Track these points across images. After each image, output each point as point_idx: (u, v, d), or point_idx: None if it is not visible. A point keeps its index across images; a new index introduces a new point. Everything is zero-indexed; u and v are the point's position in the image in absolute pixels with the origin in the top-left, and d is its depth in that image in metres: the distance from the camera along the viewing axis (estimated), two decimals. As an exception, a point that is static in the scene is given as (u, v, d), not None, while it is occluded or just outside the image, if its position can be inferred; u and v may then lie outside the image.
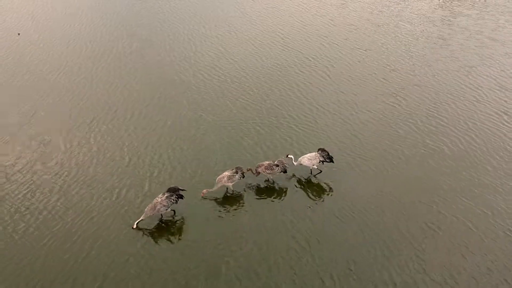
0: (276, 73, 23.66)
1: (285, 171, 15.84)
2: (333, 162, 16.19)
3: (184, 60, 24.85)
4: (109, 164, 16.73)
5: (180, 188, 14.48)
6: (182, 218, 14.47)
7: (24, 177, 16.08)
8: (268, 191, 15.71)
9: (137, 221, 13.80)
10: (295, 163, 16.12)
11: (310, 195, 15.54)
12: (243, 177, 15.31)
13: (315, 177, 16.24)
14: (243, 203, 15.10)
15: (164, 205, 13.87)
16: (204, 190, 15.00)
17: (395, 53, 25.85)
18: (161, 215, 14.25)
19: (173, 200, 14.07)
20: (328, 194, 15.56)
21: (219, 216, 14.57)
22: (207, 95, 21.49)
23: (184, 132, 18.69)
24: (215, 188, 15.01)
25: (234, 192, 15.43)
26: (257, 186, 15.85)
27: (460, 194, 15.51)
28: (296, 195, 15.54)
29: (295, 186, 15.97)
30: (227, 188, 15.36)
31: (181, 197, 14.33)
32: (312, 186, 15.90)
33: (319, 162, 16.00)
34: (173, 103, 20.81)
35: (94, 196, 15.20)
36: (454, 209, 14.90)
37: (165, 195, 14.02)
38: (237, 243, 13.51)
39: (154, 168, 16.50)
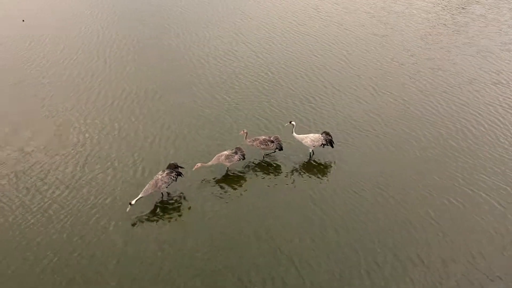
0: (293, 58, 23.44)
1: (280, 149, 15.49)
2: (332, 146, 15.72)
3: (200, 45, 24.70)
4: (127, 144, 16.60)
5: (179, 165, 14.16)
6: (183, 197, 14.17)
7: (44, 155, 15.99)
8: (272, 169, 15.43)
9: (135, 199, 13.23)
10: (294, 135, 15.48)
11: (319, 174, 15.28)
12: (243, 159, 14.89)
13: (312, 158, 15.91)
14: (244, 183, 14.81)
15: (165, 182, 13.57)
16: (198, 164, 14.47)
17: (412, 39, 25.54)
18: (162, 193, 13.93)
19: (173, 177, 13.81)
20: (346, 171, 15.32)
21: (220, 197, 14.17)
22: (223, 78, 21.34)
23: (199, 112, 18.55)
24: (209, 163, 14.61)
25: (231, 172, 15.08)
26: (259, 164, 15.62)
27: (482, 172, 15.25)
28: (298, 173, 15.27)
29: (297, 164, 15.69)
30: (227, 168, 15.08)
31: (180, 174, 14.05)
32: (324, 166, 15.68)
33: (320, 145, 15.55)
34: (190, 85, 20.68)
35: (110, 175, 15.04)
36: (477, 186, 14.64)
37: (165, 172, 13.75)
38: (239, 224, 13.19)
39: (170, 148, 16.33)
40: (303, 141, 15.52)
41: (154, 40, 25.32)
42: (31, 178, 14.78)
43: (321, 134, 15.71)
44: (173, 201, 13.95)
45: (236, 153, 14.73)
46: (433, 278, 11.54)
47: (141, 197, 13.32)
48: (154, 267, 11.72)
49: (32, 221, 13.10)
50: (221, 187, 14.53)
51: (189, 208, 13.69)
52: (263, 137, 15.43)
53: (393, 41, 25.25)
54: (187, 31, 26.43)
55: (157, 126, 17.59)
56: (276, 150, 15.57)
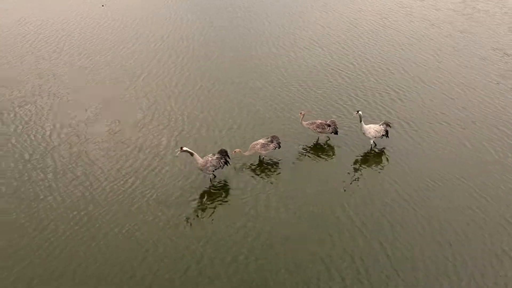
0: (377, 50, 23.16)
1: (336, 133, 15.44)
2: (387, 137, 15.46)
3: (285, 36, 24.96)
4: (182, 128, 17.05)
5: (228, 154, 14.19)
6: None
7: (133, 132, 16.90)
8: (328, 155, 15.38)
9: (189, 150, 13.41)
10: (363, 125, 15.05)
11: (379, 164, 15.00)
12: (278, 147, 14.69)
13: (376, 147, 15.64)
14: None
15: (214, 165, 13.64)
16: (237, 149, 14.44)
17: (502, 37, 24.42)
18: (205, 176, 13.99)
19: (222, 163, 13.91)
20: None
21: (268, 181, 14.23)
22: (305, 66, 21.54)
23: (277, 97, 18.88)
24: (247, 153, 14.51)
25: (267, 159, 14.98)
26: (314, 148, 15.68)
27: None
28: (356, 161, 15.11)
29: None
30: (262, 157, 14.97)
31: (227, 163, 14.11)
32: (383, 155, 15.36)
33: (381, 136, 15.33)
34: (269, 70, 21.08)
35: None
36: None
37: (215, 156, 13.82)
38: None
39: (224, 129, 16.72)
40: (367, 132, 15.20)
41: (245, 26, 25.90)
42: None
43: (381, 124, 15.48)
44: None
45: (271, 141, 14.53)
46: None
47: (191, 154, 13.42)
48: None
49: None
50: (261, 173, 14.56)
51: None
52: (320, 121, 15.47)
53: (481, 39, 24.23)
54: (274, 22, 26.83)
55: (242, 111, 18.02)
56: (332, 134, 15.58)
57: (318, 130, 15.39)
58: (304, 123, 15.54)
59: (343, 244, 11.86)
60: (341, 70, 21.07)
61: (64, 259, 11.43)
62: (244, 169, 14.61)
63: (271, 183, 14.08)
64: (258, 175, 14.41)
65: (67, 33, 24.97)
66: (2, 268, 11.19)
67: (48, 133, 16.36)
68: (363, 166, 15.00)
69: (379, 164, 15.04)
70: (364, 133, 15.25)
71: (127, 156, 15.21)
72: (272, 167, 14.78)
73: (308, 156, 15.39)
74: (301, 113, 15.62)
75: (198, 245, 11.82)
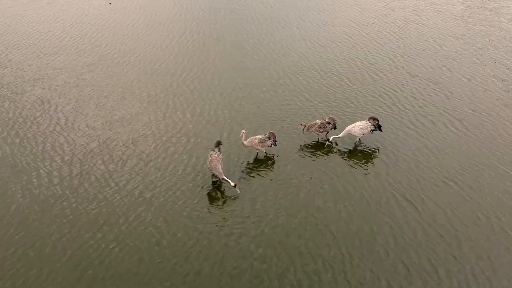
0: (412, 46, 22.64)
1: (335, 127, 15.44)
2: (381, 130, 15.26)
3: (315, 31, 24.78)
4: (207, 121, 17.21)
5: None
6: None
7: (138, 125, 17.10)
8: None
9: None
10: (345, 131, 15.03)
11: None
12: (275, 145, 14.73)
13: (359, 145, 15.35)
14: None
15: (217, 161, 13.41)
16: (244, 131, 14.47)
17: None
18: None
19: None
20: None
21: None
22: (337, 61, 21.41)
23: (292, 86, 18.73)
24: (246, 143, 14.51)
25: (268, 155, 14.94)
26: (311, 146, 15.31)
27: None
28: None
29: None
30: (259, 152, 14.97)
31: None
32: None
33: (369, 131, 15.09)
34: (298, 68, 20.92)
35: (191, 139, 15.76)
36: None
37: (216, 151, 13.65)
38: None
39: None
40: (352, 131, 14.98)
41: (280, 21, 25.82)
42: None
43: (368, 120, 15.24)
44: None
45: (269, 138, 14.64)
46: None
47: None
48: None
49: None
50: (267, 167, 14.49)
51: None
52: (320, 121, 15.43)
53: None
54: (305, 17, 26.64)
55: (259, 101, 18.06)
56: (332, 129, 15.64)
57: (321, 130, 15.36)
58: (306, 132, 15.47)
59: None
60: (378, 69, 20.67)
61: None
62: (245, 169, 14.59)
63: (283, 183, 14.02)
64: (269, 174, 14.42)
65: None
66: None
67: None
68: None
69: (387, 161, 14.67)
70: (351, 134, 15.09)
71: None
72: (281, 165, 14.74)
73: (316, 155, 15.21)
74: (301, 125, 15.51)
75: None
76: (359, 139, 15.50)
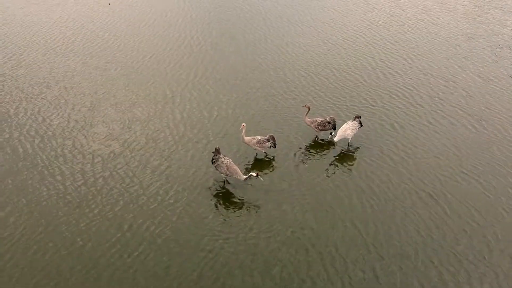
0: (435, 43, 22.73)
1: (334, 128, 15.51)
2: (362, 125, 15.38)
3: (329, 28, 24.82)
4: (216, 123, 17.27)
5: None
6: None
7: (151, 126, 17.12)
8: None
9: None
10: (340, 135, 14.91)
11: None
12: (274, 147, 14.68)
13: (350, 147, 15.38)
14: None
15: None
16: (244, 125, 14.40)
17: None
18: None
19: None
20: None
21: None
22: (354, 58, 21.49)
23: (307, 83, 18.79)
24: (246, 139, 14.48)
25: (266, 156, 14.96)
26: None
27: None
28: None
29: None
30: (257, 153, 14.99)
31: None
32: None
33: (357, 129, 15.22)
34: (310, 64, 20.99)
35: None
36: None
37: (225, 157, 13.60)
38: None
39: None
40: (345, 135, 14.94)
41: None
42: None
43: (354, 120, 15.31)
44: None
45: (268, 140, 14.62)
46: None
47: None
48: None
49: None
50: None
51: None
52: (320, 119, 15.52)
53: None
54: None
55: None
56: (331, 130, 15.71)
57: (320, 128, 15.42)
58: (308, 119, 15.49)
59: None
60: (393, 69, 20.73)
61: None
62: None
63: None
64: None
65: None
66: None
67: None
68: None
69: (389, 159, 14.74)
70: (345, 138, 15.07)
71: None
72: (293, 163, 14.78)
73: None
74: (306, 106, 15.58)
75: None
76: (350, 141, 15.43)
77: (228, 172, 13.18)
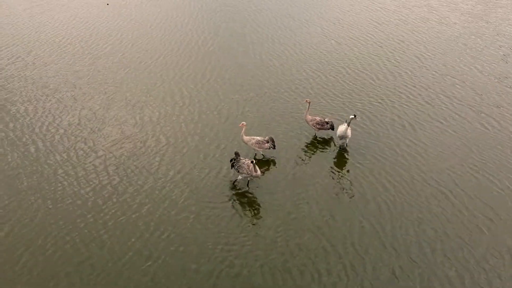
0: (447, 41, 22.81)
1: (332, 128, 15.52)
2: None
3: (337, 27, 24.88)
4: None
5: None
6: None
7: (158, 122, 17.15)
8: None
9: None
10: (348, 131, 14.75)
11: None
12: (273, 148, 14.58)
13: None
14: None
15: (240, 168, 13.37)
16: (244, 123, 14.37)
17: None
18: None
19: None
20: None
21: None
22: (362, 56, 21.51)
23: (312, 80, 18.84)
24: (245, 138, 14.42)
25: (264, 157, 14.90)
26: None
27: None
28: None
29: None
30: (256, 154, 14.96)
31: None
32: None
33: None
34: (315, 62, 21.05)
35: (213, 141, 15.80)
36: None
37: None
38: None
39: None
40: (349, 135, 14.90)
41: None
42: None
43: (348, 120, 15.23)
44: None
45: (267, 141, 14.51)
46: None
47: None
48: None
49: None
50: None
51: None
52: (319, 118, 15.55)
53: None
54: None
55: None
56: (329, 130, 15.74)
57: (318, 126, 15.48)
58: (309, 117, 15.51)
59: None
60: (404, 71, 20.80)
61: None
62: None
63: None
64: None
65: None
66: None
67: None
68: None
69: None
70: (347, 136, 14.90)
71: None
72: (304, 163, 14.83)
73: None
74: (306, 101, 15.61)
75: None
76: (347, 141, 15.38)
77: (249, 172, 13.21)
